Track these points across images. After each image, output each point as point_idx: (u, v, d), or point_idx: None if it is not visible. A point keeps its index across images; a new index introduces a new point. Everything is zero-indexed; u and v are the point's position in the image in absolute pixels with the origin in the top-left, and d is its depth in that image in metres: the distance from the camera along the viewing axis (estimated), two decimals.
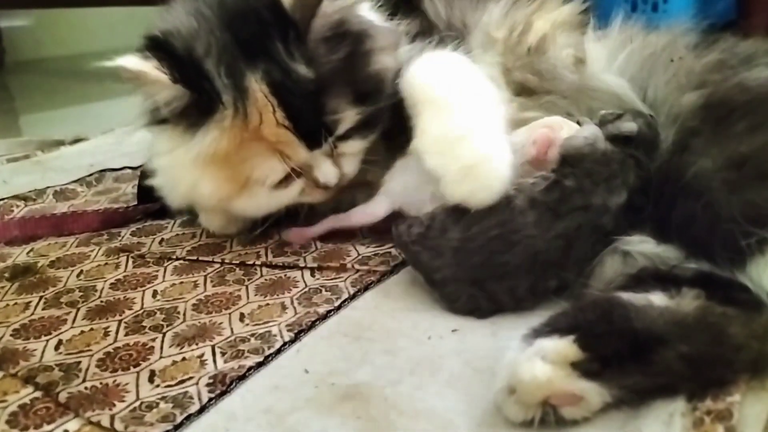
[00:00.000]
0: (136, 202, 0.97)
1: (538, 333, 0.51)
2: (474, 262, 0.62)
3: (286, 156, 0.71)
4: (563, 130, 0.66)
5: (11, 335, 0.62)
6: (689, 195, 0.58)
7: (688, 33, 0.75)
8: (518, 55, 0.79)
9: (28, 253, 0.81)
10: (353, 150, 0.76)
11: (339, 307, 0.67)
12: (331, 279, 0.72)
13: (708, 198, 0.57)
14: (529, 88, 0.77)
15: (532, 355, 0.48)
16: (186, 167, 0.73)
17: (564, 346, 0.48)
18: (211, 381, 0.54)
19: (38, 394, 0.53)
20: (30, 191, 1.03)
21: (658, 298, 0.54)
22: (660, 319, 0.51)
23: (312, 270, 0.75)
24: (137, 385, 0.54)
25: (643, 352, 0.49)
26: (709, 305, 0.53)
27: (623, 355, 0.49)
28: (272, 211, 0.78)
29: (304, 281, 0.72)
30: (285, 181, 0.74)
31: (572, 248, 0.62)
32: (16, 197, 1.00)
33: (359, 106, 0.72)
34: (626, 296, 0.54)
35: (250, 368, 0.56)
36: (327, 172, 0.74)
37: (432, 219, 0.65)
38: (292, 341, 0.60)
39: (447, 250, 0.63)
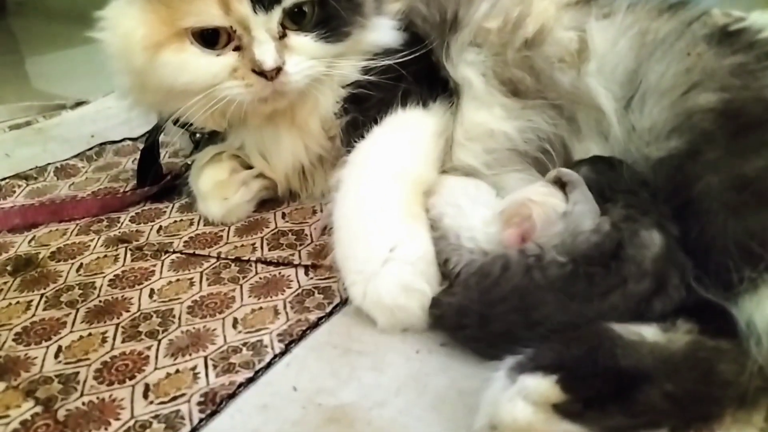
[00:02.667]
0: (135, 181, 0.98)
1: (523, 368, 0.51)
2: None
3: (228, 6, 0.70)
4: (540, 214, 0.63)
5: (13, 340, 0.65)
6: (692, 213, 0.58)
7: (704, 19, 0.72)
8: (513, 48, 0.78)
9: (29, 242, 0.83)
10: (302, 48, 0.75)
11: (331, 313, 0.68)
12: (325, 279, 0.73)
13: (707, 221, 0.57)
14: (521, 89, 0.76)
15: (514, 395, 0.49)
16: (127, 10, 0.74)
17: (546, 387, 0.49)
18: (202, 399, 0.56)
19: (38, 409, 0.55)
20: (31, 169, 1.03)
21: (651, 332, 0.54)
22: (649, 356, 0.52)
23: (306, 268, 0.76)
24: (132, 401, 0.56)
25: (627, 390, 0.50)
26: (701, 340, 0.53)
27: (606, 396, 0.49)
28: (199, 87, 0.74)
29: (298, 281, 0.73)
30: (219, 43, 0.73)
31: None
32: (17, 177, 1.01)
33: None
34: (618, 328, 0.54)
35: (240, 385, 0.58)
36: (266, 50, 0.71)
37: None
38: (283, 353, 0.62)
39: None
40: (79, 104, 1.38)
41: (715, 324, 0.54)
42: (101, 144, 1.14)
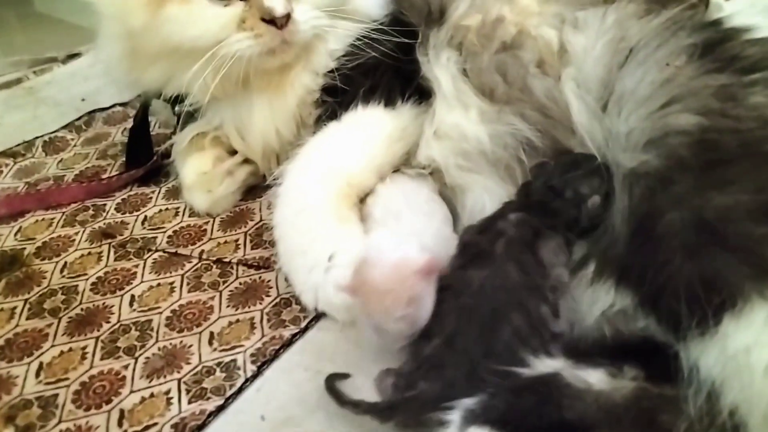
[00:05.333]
0: (124, 158, 0.98)
1: (475, 418, 0.52)
2: None
3: None
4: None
5: None
6: (652, 251, 0.57)
7: (689, 28, 0.68)
8: (490, 51, 0.74)
9: (15, 234, 0.84)
10: None
11: (306, 329, 0.69)
12: None
13: (665, 261, 0.55)
14: (496, 94, 0.73)
15: None
16: None
17: None
18: (172, 431, 0.58)
19: None
20: (18, 144, 1.03)
21: (597, 378, 0.54)
22: (593, 405, 0.52)
23: None
24: (107, 429, 0.59)
25: None
26: (646, 387, 0.54)
27: None
28: (208, 42, 0.72)
29: (277, 287, 0.74)
30: None
31: None
32: (5, 154, 1.01)
33: None
34: (567, 375, 0.55)
35: (210, 414, 0.60)
36: None
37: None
38: (255, 376, 0.64)
39: None
40: (71, 57, 1.34)
41: (662, 369, 0.54)
42: (90, 112, 1.12)
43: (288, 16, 0.72)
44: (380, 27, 0.79)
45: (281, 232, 0.72)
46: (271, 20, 0.71)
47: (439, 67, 0.76)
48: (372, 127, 0.76)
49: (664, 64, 0.64)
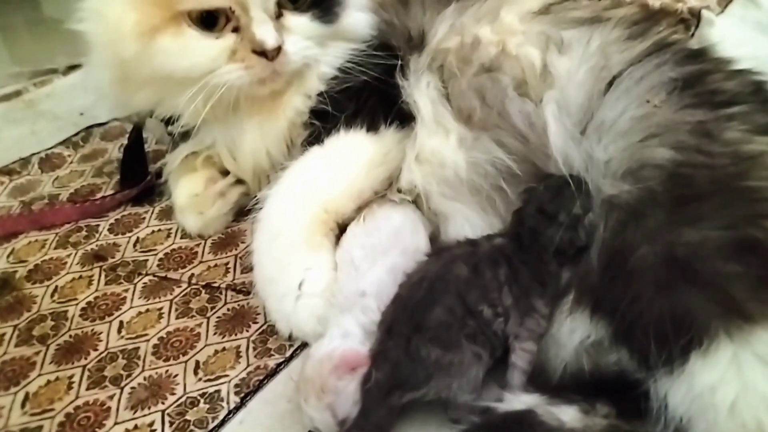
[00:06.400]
0: (119, 176, 0.98)
1: None
2: None
3: None
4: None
5: None
6: (624, 283, 0.56)
7: (671, 62, 0.67)
8: (469, 74, 0.74)
9: (8, 256, 0.84)
10: (299, 28, 0.75)
11: (290, 358, 0.69)
12: None
13: (635, 297, 0.55)
14: (474, 119, 0.72)
15: None
16: None
17: None
18: None
19: None
20: (15, 162, 1.03)
21: (570, 416, 0.55)
22: None
23: None
24: None
25: None
26: (617, 424, 0.55)
27: None
28: (199, 72, 0.72)
29: (265, 314, 0.74)
30: (217, 25, 0.72)
31: None
32: (0, 172, 1.01)
33: None
34: (541, 412, 0.55)
35: None
36: (267, 30, 0.71)
37: None
38: (238, 408, 0.64)
39: None
40: (71, 68, 1.34)
41: (634, 405, 0.55)
42: (88, 127, 1.12)
43: (279, 48, 0.72)
44: (368, 49, 0.79)
45: (257, 259, 0.72)
46: (262, 52, 0.71)
47: (419, 91, 0.76)
48: (353, 152, 0.76)
49: (644, 101, 0.64)
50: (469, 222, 0.71)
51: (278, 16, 0.73)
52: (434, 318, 0.59)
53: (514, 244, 0.64)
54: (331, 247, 0.72)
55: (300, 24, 0.75)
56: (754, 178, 0.57)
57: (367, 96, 0.78)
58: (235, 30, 0.72)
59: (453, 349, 0.58)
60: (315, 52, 0.77)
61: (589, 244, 0.62)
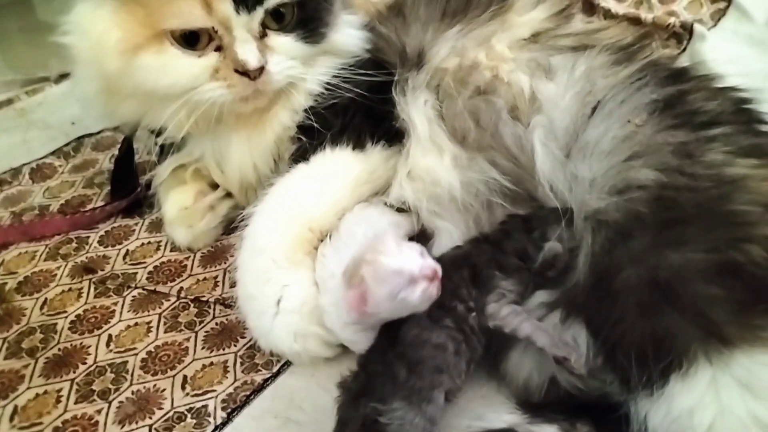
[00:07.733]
0: (109, 187, 0.99)
1: None
2: None
3: (210, 6, 0.70)
4: (370, 273, 0.61)
5: None
6: (609, 304, 0.57)
7: (653, 84, 0.69)
8: (464, 95, 0.75)
9: None
10: (283, 48, 0.75)
11: (278, 373, 0.70)
12: None
13: (619, 318, 0.56)
14: (468, 139, 0.73)
15: None
16: (97, 13, 0.72)
17: None
18: None
19: None
20: (6, 172, 1.04)
21: None
22: None
23: None
24: None
25: None
26: None
27: None
28: (181, 89, 0.73)
29: None
30: (200, 43, 0.72)
31: None
32: None
33: None
34: (522, 431, 0.57)
35: None
36: (249, 50, 0.71)
37: None
38: (224, 423, 0.65)
39: None
40: (63, 77, 1.35)
41: (615, 425, 0.56)
42: (79, 137, 1.13)
43: (262, 68, 0.72)
44: (357, 66, 0.80)
45: (239, 275, 0.72)
46: (244, 72, 0.72)
47: (416, 109, 0.76)
48: (338, 170, 0.76)
49: (626, 121, 0.65)
50: (453, 238, 0.72)
51: (262, 35, 0.73)
52: (406, 333, 0.61)
53: (474, 243, 0.68)
54: (312, 264, 0.72)
55: (284, 44, 0.75)
56: (737, 202, 0.58)
57: (354, 113, 0.79)
58: (218, 49, 0.72)
59: (417, 370, 0.58)
60: (299, 71, 0.77)
61: (571, 264, 0.64)
